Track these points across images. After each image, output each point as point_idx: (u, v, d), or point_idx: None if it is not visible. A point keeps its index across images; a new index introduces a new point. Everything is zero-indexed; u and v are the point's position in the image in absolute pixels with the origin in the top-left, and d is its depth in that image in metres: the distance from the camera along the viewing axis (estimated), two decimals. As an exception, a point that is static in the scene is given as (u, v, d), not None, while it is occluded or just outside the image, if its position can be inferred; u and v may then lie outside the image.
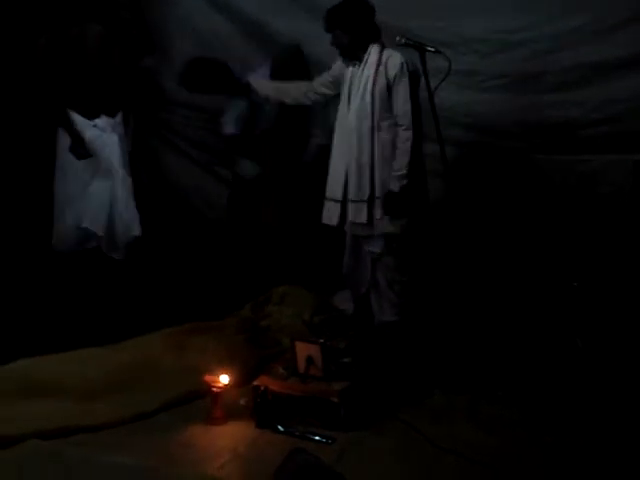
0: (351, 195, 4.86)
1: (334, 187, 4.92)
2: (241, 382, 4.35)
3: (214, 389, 4.12)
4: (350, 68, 4.89)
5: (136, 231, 5.34)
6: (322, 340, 4.25)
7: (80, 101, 5.27)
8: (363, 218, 4.83)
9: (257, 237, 5.60)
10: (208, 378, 4.15)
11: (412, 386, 4.44)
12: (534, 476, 3.65)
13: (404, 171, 4.71)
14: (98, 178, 5.31)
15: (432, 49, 4.48)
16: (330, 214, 4.95)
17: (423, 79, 4.48)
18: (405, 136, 4.71)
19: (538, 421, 4.12)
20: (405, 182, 4.72)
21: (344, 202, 4.90)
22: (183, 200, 6.31)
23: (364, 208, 4.82)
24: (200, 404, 4.24)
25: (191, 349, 4.61)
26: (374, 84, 4.74)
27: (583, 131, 5.42)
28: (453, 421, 4.15)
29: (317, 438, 3.94)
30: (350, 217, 4.89)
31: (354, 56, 4.84)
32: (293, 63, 5.58)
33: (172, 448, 3.86)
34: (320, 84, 5.07)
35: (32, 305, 5.22)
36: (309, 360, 4.18)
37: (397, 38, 4.51)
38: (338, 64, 4.96)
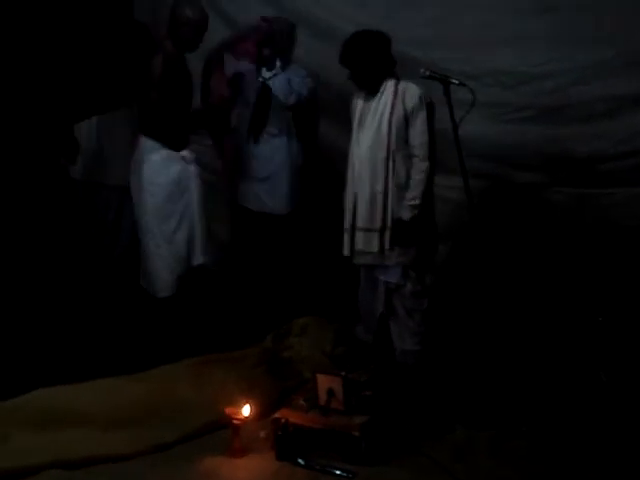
0: (360, 223, 4.84)
1: (347, 217, 4.93)
2: (261, 414, 4.32)
3: (234, 421, 4.10)
4: (360, 100, 4.89)
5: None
6: (343, 373, 4.23)
7: (172, 131, 5.12)
8: (374, 247, 4.80)
9: (279, 269, 5.58)
10: (228, 410, 4.14)
11: (434, 421, 4.41)
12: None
13: (417, 201, 4.70)
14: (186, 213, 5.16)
15: (456, 82, 4.47)
16: (346, 245, 4.95)
17: (446, 111, 4.46)
18: (421, 167, 4.71)
19: (562, 456, 4.08)
20: (416, 212, 4.71)
21: (353, 231, 4.89)
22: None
23: (375, 237, 4.80)
24: (220, 436, 4.22)
25: (211, 380, 4.58)
26: (391, 115, 4.73)
27: (608, 164, 5.38)
28: (476, 456, 4.11)
29: (338, 472, 3.91)
30: (359, 245, 4.86)
31: (372, 89, 4.81)
32: None
33: (192, 480, 3.85)
34: None
35: (50, 334, 5.20)
36: (330, 393, 4.15)
37: (421, 70, 4.50)
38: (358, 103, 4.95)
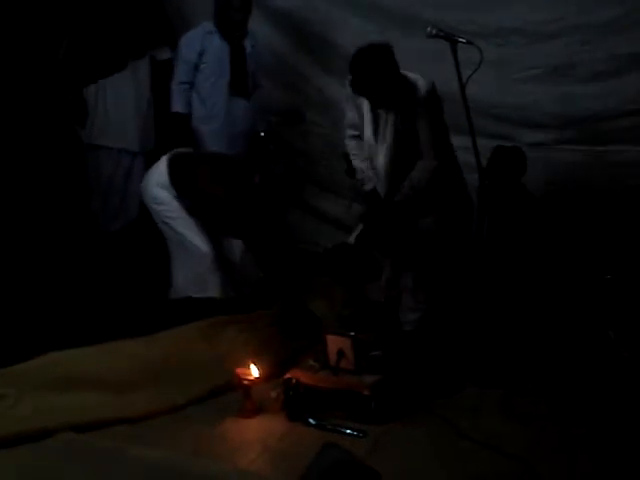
0: None
1: None
2: (272, 375, 4.36)
3: (245, 382, 4.13)
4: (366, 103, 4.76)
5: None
6: (353, 333, 4.24)
7: None
8: None
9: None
10: (239, 371, 4.17)
11: (444, 380, 4.44)
12: (568, 468, 3.62)
13: (411, 193, 4.72)
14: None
15: (463, 40, 4.38)
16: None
17: (454, 71, 4.40)
18: (424, 165, 4.69)
19: (571, 413, 4.11)
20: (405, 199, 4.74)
21: None
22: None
23: None
24: (232, 397, 4.24)
25: (223, 342, 4.61)
26: (403, 122, 4.66)
27: (618, 121, 5.37)
28: (486, 414, 4.15)
29: (348, 432, 3.93)
30: None
31: (391, 105, 4.66)
32: None
33: (204, 441, 3.87)
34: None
35: (64, 297, 5.24)
36: (340, 353, 4.17)
37: (428, 29, 4.42)
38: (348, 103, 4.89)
